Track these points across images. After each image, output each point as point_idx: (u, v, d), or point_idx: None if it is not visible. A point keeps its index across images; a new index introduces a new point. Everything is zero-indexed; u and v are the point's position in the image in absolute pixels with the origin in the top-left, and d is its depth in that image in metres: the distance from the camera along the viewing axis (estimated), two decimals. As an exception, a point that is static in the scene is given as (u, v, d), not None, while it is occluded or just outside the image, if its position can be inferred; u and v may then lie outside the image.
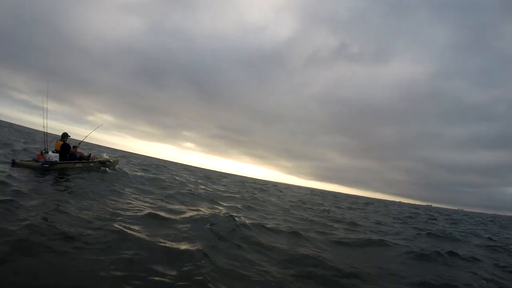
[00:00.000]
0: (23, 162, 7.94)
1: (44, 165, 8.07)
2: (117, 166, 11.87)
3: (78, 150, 9.62)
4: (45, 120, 8.77)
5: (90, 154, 10.28)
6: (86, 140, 10.56)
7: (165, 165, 29.51)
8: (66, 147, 8.95)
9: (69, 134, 9.13)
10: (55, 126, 9.21)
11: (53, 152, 8.67)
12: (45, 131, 8.78)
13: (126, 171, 11.48)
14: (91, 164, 9.79)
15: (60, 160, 8.65)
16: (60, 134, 9.26)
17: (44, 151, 8.39)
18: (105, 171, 9.87)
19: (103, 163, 10.39)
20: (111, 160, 11.07)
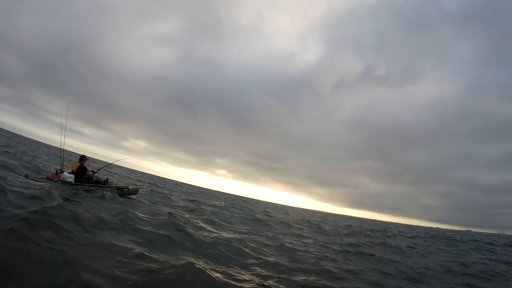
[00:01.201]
0: (35, 178, 7.81)
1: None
2: (134, 196, 10.84)
3: (96, 175, 9.42)
4: (62, 138, 8.90)
5: (107, 179, 9.95)
6: (119, 164, 10.52)
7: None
8: (83, 170, 8.84)
9: (87, 157, 9.09)
10: (93, 150, 9.43)
11: (69, 173, 8.54)
12: (62, 147, 8.82)
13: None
14: (108, 189, 9.32)
15: (75, 182, 8.46)
16: (96, 158, 9.31)
17: (59, 171, 8.29)
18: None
19: (121, 189, 9.87)
20: (129, 187, 10.44)
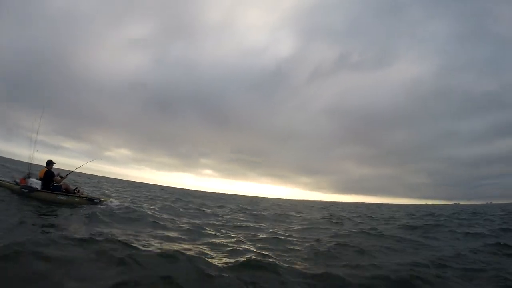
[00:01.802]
0: (1, 181, 8.27)
1: (23, 189, 8.31)
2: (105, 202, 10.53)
3: (64, 181, 9.40)
4: (32, 150, 9.33)
5: (77, 188, 9.88)
6: (102, 174, 10.74)
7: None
8: (50, 175, 8.99)
9: (54, 161, 9.23)
10: (75, 164, 10.11)
11: (37, 179, 8.95)
12: (31, 155, 9.26)
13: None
14: (76, 199, 9.20)
15: (42, 189, 8.65)
16: (77, 171, 9.75)
17: (27, 177, 8.77)
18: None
19: (91, 200, 9.60)
20: (101, 199, 10.30)
